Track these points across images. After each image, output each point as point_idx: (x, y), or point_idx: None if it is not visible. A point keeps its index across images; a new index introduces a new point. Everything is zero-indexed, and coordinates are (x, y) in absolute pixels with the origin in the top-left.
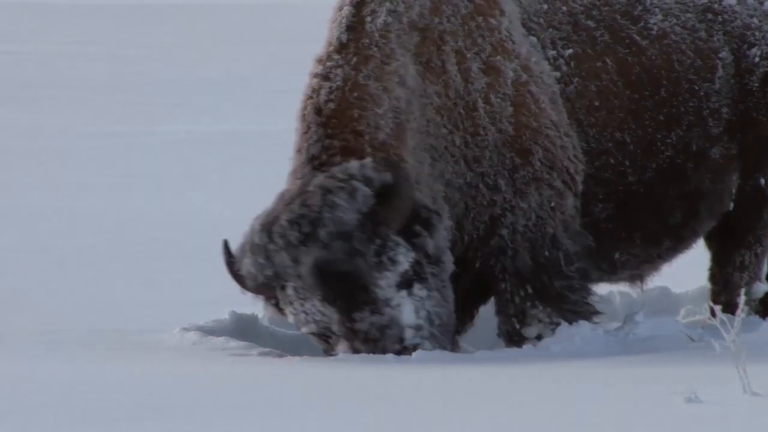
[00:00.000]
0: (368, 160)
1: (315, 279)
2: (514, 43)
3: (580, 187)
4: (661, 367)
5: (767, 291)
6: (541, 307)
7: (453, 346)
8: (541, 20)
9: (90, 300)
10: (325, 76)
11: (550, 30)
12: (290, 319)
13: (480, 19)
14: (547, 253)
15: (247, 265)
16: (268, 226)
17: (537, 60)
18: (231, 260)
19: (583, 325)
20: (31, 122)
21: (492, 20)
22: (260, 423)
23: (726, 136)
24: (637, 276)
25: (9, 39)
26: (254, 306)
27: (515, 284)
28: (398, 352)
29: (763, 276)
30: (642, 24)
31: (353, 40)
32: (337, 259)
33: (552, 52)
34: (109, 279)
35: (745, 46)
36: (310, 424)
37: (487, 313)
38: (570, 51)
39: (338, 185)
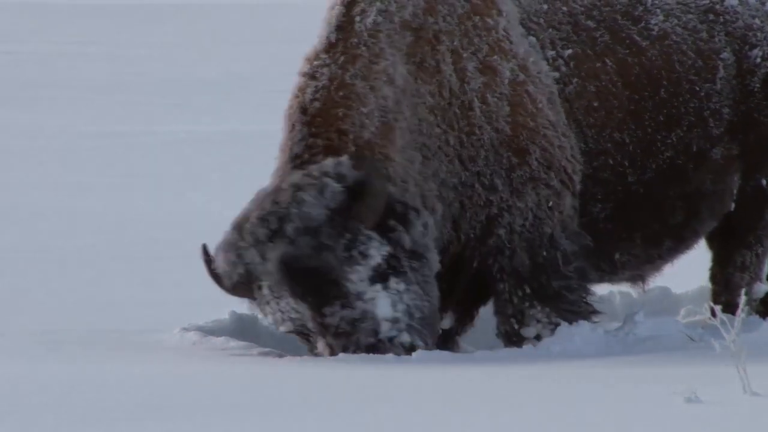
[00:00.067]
0: (344, 158)
1: (282, 275)
2: (511, 42)
3: (578, 187)
4: (661, 367)
5: None
6: (539, 307)
7: (435, 340)
8: (541, 20)
9: (90, 300)
10: (311, 75)
11: (550, 30)
12: (269, 318)
13: (477, 18)
14: (545, 253)
15: (220, 264)
16: (239, 224)
17: (535, 60)
18: (209, 260)
19: (583, 325)
20: (31, 122)
21: (489, 20)
22: (260, 423)
23: (727, 137)
24: (638, 276)
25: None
26: (254, 306)
27: (513, 284)
28: (373, 346)
29: (764, 276)
30: (643, 24)
31: (342, 40)
32: (304, 255)
33: (551, 53)
34: (109, 279)
35: (747, 47)
36: (310, 424)
37: (486, 313)
38: (569, 51)
39: (309, 182)
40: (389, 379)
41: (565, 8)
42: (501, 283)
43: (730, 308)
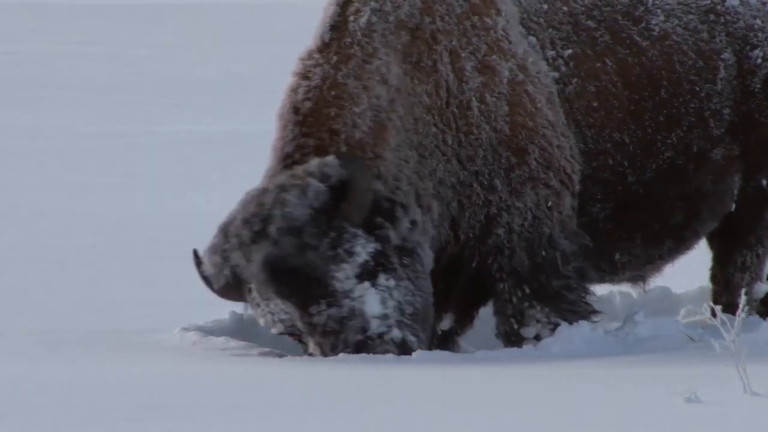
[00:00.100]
0: (330, 157)
1: (266, 276)
2: (510, 42)
3: (578, 187)
4: (661, 367)
5: None
6: (539, 307)
7: (429, 334)
8: (541, 20)
9: (90, 300)
10: (304, 75)
11: (550, 30)
12: (260, 321)
13: (475, 18)
14: (544, 253)
15: (207, 267)
16: (225, 226)
17: (534, 60)
18: (199, 263)
19: (583, 325)
20: (31, 122)
21: (488, 19)
22: (260, 423)
23: (728, 138)
24: (638, 277)
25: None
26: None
27: (513, 284)
28: (362, 343)
29: (764, 276)
30: (643, 25)
31: (336, 39)
32: (287, 255)
33: (551, 53)
34: (109, 279)
35: (748, 48)
36: (310, 424)
37: (486, 313)
38: (569, 51)
39: (293, 183)
40: (389, 379)
41: (565, 8)
42: (500, 283)
43: (731, 308)
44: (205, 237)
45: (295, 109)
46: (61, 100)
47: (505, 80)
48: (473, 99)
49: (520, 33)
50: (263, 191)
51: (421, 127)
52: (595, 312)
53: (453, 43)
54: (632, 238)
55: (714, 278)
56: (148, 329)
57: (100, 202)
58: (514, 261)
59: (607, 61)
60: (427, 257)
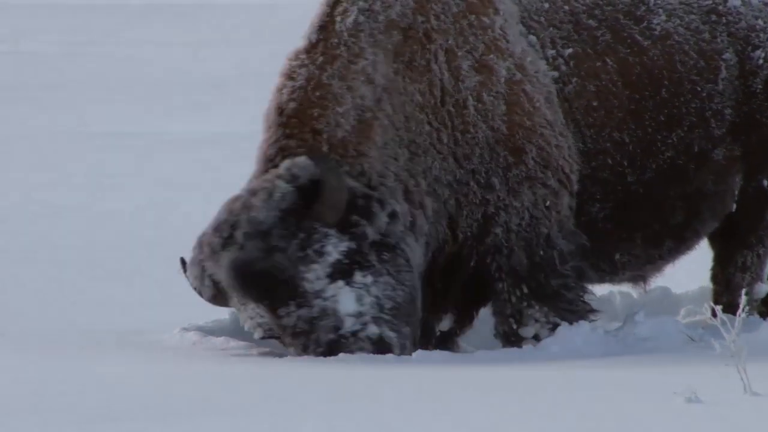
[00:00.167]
0: (301, 158)
1: (234, 281)
2: (508, 42)
3: (576, 187)
4: (661, 367)
5: None
6: (537, 307)
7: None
8: (542, 19)
9: (90, 300)
10: (289, 76)
11: (551, 29)
12: (245, 326)
13: (472, 17)
14: (542, 252)
15: (191, 279)
16: (201, 236)
17: (533, 59)
18: (186, 271)
19: (583, 325)
20: (31, 122)
21: (485, 19)
22: (260, 423)
23: (729, 138)
24: (639, 277)
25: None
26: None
27: (511, 284)
28: (335, 342)
29: (765, 277)
30: (645, 24)
31: (323, 40)
32: (254, 258)
33: (551, 52)
34: (109, 279)
35: (750, 48)
36: (310, 424)
37: (486, 313)
38: (570, 50)
39: (261, 186)
40: (389, 379)
41: (566, 7)
42: (499, 282)
43: (731, 308)
44: None
45: (280, 111)
46: (61, 100)
47: (502, 79)
48: (470, 98)
49: (520, 32)
50: (235, 198)
51: (413, 125)
52: (592, 311)
53: (449, 42)
54: (632, 238)
55: (715, 278)
56: (148, 329)
57: (100, 202)
58: (513, 260)
59: (608, 60)
60: (415, 251)
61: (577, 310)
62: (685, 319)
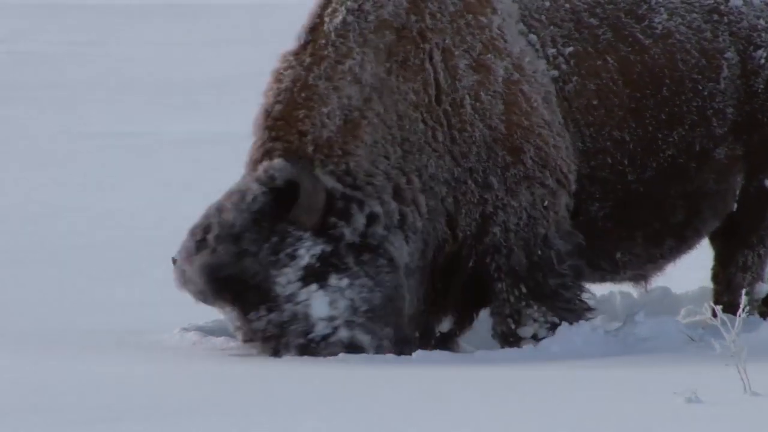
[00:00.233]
0: (277, 160)
1: (206, 285)
2: (506, 41)
3: (574, 186)
4: (661, 367)
5: None
6: (535, 306)
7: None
8: (543, 17)
9: (90, 300)
10: (276, 78)
11: (552, 27)
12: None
13: (470, 16)
14: (540, 252)
15: (177, 283)
16: (182, 242)
17: (531, 59)
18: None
19: (583, 325)
20: (31, 122)
21: (482, 18)
22: (260, 423)
23: (731, 137)
24: (640, 276)
25: (9, 39)
26: None
27: (510, 283)
28: (304, 346)
29: (766, 276)
30: (646, 23)
31: (312, 41)
32: (224, 263)
33: (552, 50)
34: (109, 279)
35: (751, 48)
36: (310, 424)
37: (485, 314)
38: (570, 49)
39: (236, 188)
40: (389, 379)
41: (567, 5)
42: (498, 282)
43: (732, 308)
44: None
45: (266, 113)
46: (61, 100)
47: (500, 79)
48: (467, 97)
49: (519, 31)
50: (215, 202)
51: (407, 124)
52: (590, 309)
53: (446, 41)
54: (633, 237)
55: (715, 278)
56: (148, 329)
57: (100, 202)
58: (512, 260)
59: (609, 58)
60: (401, 250)
61: (575, 309)
62: (685, 319)
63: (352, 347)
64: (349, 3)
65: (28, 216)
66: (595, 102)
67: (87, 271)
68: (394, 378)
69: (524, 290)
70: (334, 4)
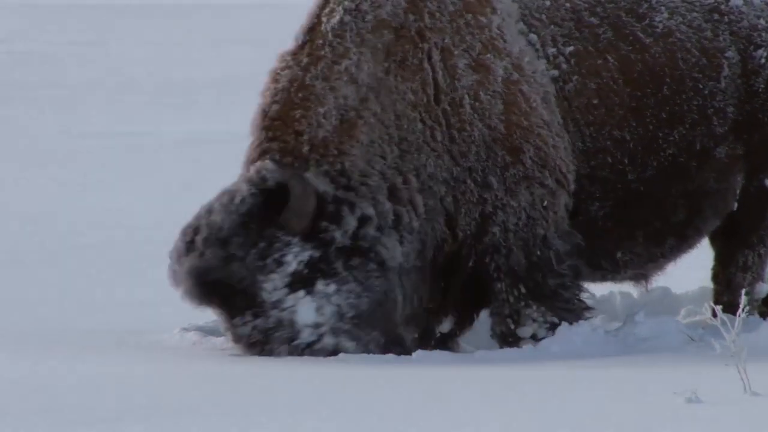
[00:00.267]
0: (270, 162)
1: (192, 288)
2: (505, 41)
3: (573, 186)
4: (661, 367)
5: None
6: (535, 307)
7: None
8: (543, 16)
9: (90, 300)
10: (274, 78)
11: (552, 27)
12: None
13: (469, 16)
14: (539, 252)
15: (168, 279)
16: (174, 241)
17: (530, 59)
18: None
19: (583, 325)
20: (31, 122)
21: (482, 18)
22: (260, 423)
23: (732, 136)
24: (641, 275)
25: (9, 39)
26: None
27: (510, 283)
28: (288, 354)
29: (766, 276)
30: (647, 22)
31: (309, 41)
32: (211, 267)
33: (552, 50)
34: (109, 279)
35: (752, 47)
36: (309, 424)
37: (485, 314)
38: (571, 48)
39: (227, 190)
40: (389, 379)
41: (568, 4)
42: (498, 282)
43: (732, 308)
44: None
45: (263, 113)
46: (61, 100)
47: (499, 79)
48: (466, 96)
49: (519, 31)
50: (207, 202)
51: (405, 123)
52: (588, 308)
53: (445, 40)
54: (634, 236)
55: (715, 278)
56: (148, 329)
57: (100, 202)
58: (511, 260)
59: (609, 57)
60: (395, 251)
61: (574, 309)
62: (685, 319)
63: (337, 354)
64: (346, 3)
65: (28, 216)
66: (595, 101)
67: (87, 271)
68: (394, 378)
69: (523, 290)
70: (331, 4)
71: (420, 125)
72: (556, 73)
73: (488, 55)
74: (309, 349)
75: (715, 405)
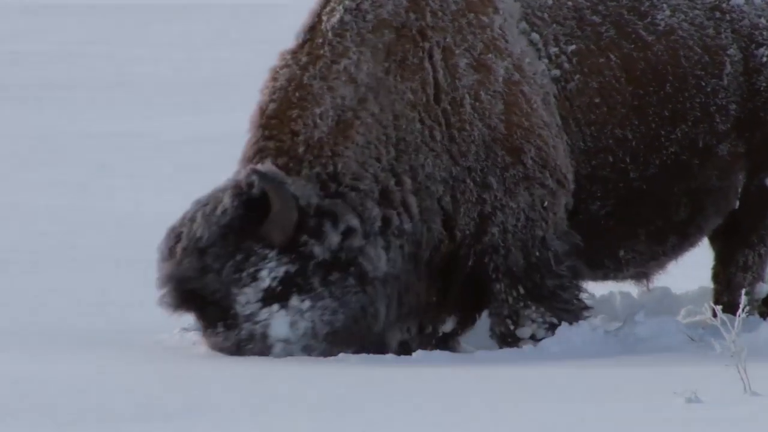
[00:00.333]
0: (260, 166)
1: (167, 296)
2: (507, 41)
3: (572, 186)
4: (661, 367)
5: None
6: (534, 307)
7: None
8: (545, 15)
9: (90, 300)
10: (272, 76)
11: (554, 25)
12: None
13: (471, 16)
14: (537, 253)
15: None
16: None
17: (531, 60)
18: None
19: (583, 325)
20: (32, 122)
21: (484, 18)
22: (260, 423)
23: (734, 134)
24: (642, 274)
25: (9, 39)
26: None
27: (508, 284)
28: None
29: (766, 276)
30: (649, 20)
31: (309, 40)
32: (187, 277)
33: (554, 49)
34: (109, 279)
35: (753, 46)
36: (309, 424)
37: (485, 314)
38: (573, 47)
39: (212, 197)
40: (389, 379)
41: (570, 3)
42: (497, 283)
43: (732, 308)
44: None
45: (261, 111)
46: (61, 100)
47: (500, 79)
48: (467, 96)
49: (521, 30)
50: (198, 202)
51: (403, 123)
52: (587, 309)
53: (447, 40)
54: (636, 235)
55: (716, 277)
56: (148, 329)
57: (101, 202)
58: (510, 261)
59: (611, 56)
60: (379, 259)
61: (573, 310)
62: (685, 319)
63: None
64: (347, 2)
65: (29, 216)
66: (597, 100)
67: (87, 271)
68: (394, 378)
69: (522, 291)
70: (332, 4)
71: (419, 125)
72: (557, 72)
73: (489, 55)
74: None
75: (715, 405)
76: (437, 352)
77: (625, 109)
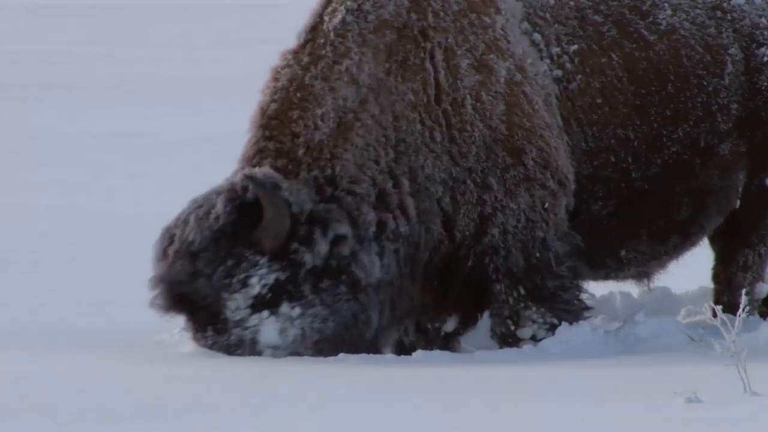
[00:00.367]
0: (258, 170)
1: (158, 298)
2: (509, 42)
3: (573, 187)
4: (661, 367)
5: None
6: (534, 308)
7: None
8: (547, 15)
9: (90, 300)
10: (274, 76)
11: (556, 25)
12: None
13: (473, 16)
14: (538, 254)
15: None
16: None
17: (533, 61)
18: None
19: (583, 326)
20: (32, 122)
21: (486, 18)
22: (260, 423)
23: (735, 133)
24: (643, 273)
25: (9, 39)
26: None
27: (509, 285)
28: None
29: (766, 276)
30: (650, 19)
31: (311, 40)
32: (178, 281)
33: (556, 49)
34: (109, 279)
35: (754, 45)
36: (309, 424)
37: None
38: (575, 47)
39: (205, 200)
40: (389, 379)
41: (572, 3)
42: (497, 284)
43: (732, 308)
44: None
45: (262, 111)
46: (61, 100)
47: (502, 79)
48: (468, 97)
49: (523, 31)
50: (193, 202)
51: (403, 124)
52: (587, 309)
53: (448, 40)
54: (638, 235)
55: (716, 277)
56: (148, 329)
57: (101, 202)
58: (510, 262)
59: (613, 55)
60: (372, 265)
61: (574, 310)
62: (685, 319)
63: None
64: (348, 3)
65: (29, 216)
66: (599, 100)
67: (87, 271)
68: (394, 378)
69: (523, 292)
70: (334, 4)
71: (419, 126)
72: (559, 72)
73: (491, 56)
74: None
75: (715, 405)
76: (437, 352)
77: (627, 108)
